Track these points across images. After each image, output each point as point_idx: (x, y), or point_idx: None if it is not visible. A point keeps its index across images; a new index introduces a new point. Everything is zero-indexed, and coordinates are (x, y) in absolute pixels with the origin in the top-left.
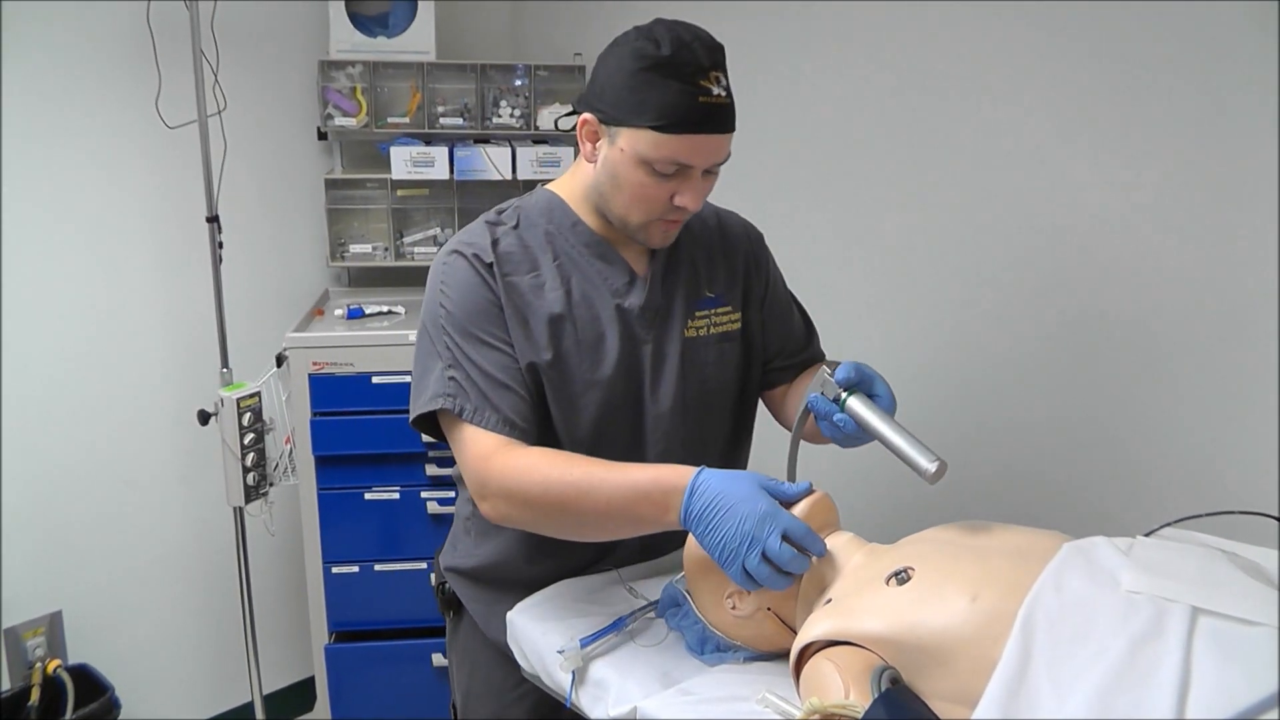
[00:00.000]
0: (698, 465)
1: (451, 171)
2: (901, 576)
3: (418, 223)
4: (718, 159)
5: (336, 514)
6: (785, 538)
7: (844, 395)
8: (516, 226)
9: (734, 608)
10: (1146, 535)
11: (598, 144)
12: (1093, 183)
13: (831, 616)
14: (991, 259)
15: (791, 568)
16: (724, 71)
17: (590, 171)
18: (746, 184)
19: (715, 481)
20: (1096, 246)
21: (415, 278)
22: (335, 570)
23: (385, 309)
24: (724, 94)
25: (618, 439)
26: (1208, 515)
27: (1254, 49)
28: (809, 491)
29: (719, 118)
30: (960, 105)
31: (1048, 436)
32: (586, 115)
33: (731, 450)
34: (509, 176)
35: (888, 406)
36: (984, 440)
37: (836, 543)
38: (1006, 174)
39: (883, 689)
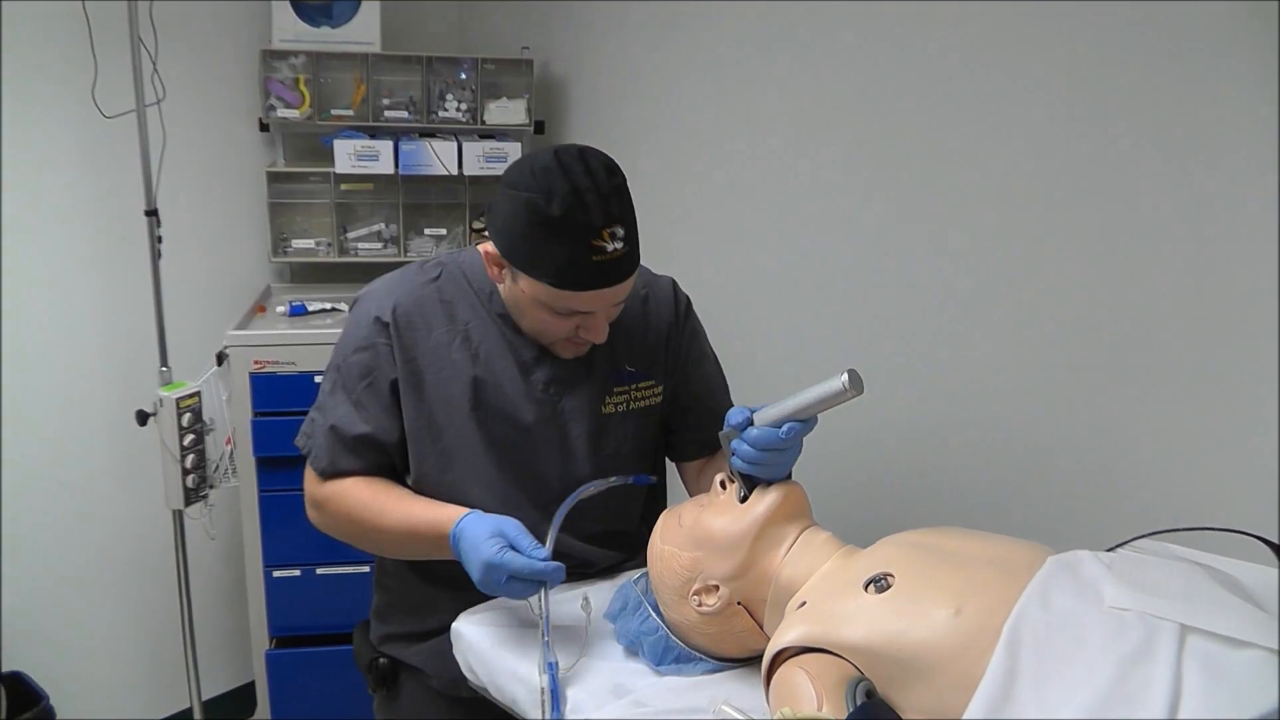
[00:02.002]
0: (616, 521)
1: (396, 166)
2: (881, 583)
3: (362, 218)
4: (617, 301)
5: (278, 516)
6: (514, 578)
7: (745, 423)
8: (437, 279)
9: (701, 604)
10: (1120, 546)
11: (502, 271)
12: (1092, 183)
13: (807, 622)
14: (985, 261)
15: (527, 594)
16: (621, 219)
17: None
18: (742, 185)
19: (465, 532)
20: (1093, 249)
21: (359, 274)
22: (276, 574)
23: (329, 306)
24: (620, 246)
25: (524, 503)
26: (1185, 530)
27: (1254, 49)
28: (545, 559)
29: (614, 272)
30: (958, 104)
31: (1034, 441)
32: (488, 247)
33: (652, 498)
34: (454, 171)
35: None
36: (969, 444)
37: (813, 540)
38: (1003, 174)
39: (858, 702)
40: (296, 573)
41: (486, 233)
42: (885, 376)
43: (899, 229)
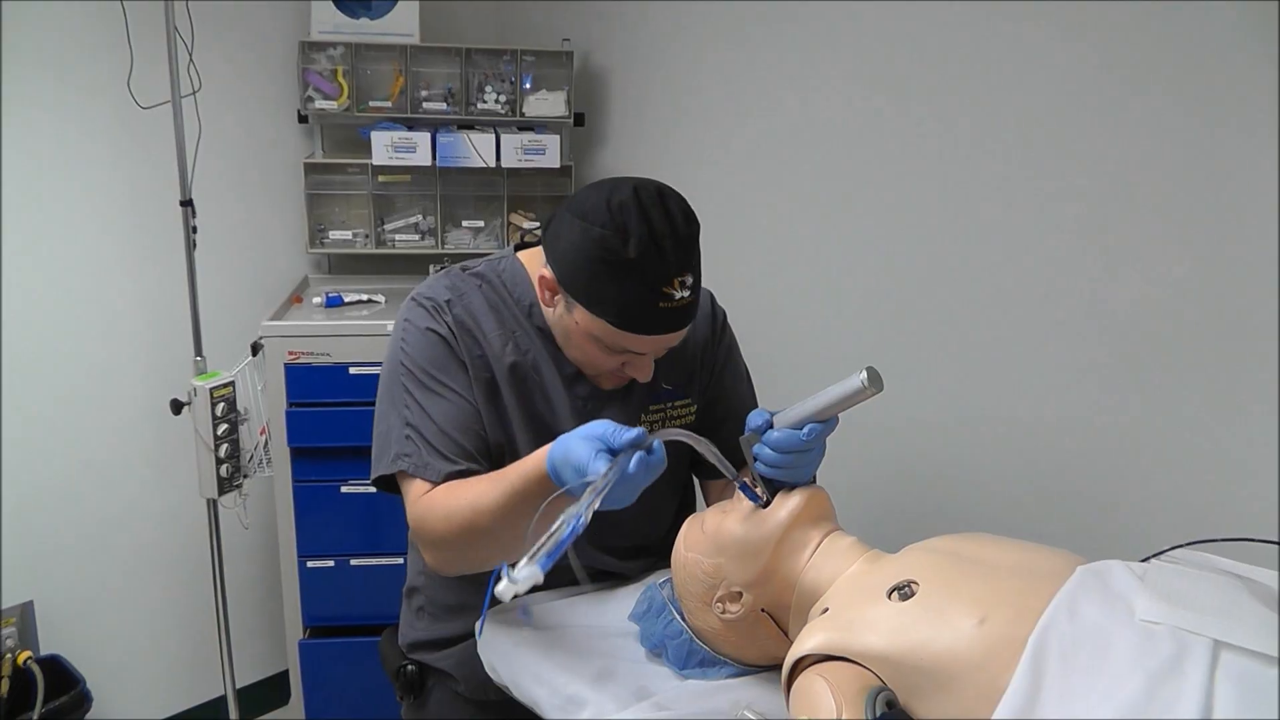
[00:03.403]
0: (646, 536)
1: (434, 157)
2: (904, 591)
3: (399, 209)
4: (671, 346)
5: (312, 507)
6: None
7: (765, 426)
8: (480, 286)
9: (724, 611)
10: (1155, 556)
11: (555, 297)
12: (1091, 183)
13: (828, 629)
14: (991, 261)
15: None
16: (693, 266)
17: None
18: (773, 181)
19: (558, 450)
20: (1096, 249)
21: (396, 266)
22: (310, 564)
23: (365, 298)
24: (687, 295)
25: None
26: (1223, 540)
27: (1254, 49)
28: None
29: (678, 320)
30: (960, 103)
31: (1053, 442)
32: (546, 272)
33: (680, 513)
34: (493, 164)
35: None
36: (993, 442)
37: (837, 545)
38: (1003, 174)
39: (878, 712)
40: (330, 563)
41: (543, 252)
42: (906, 375)
43: (921, 227)
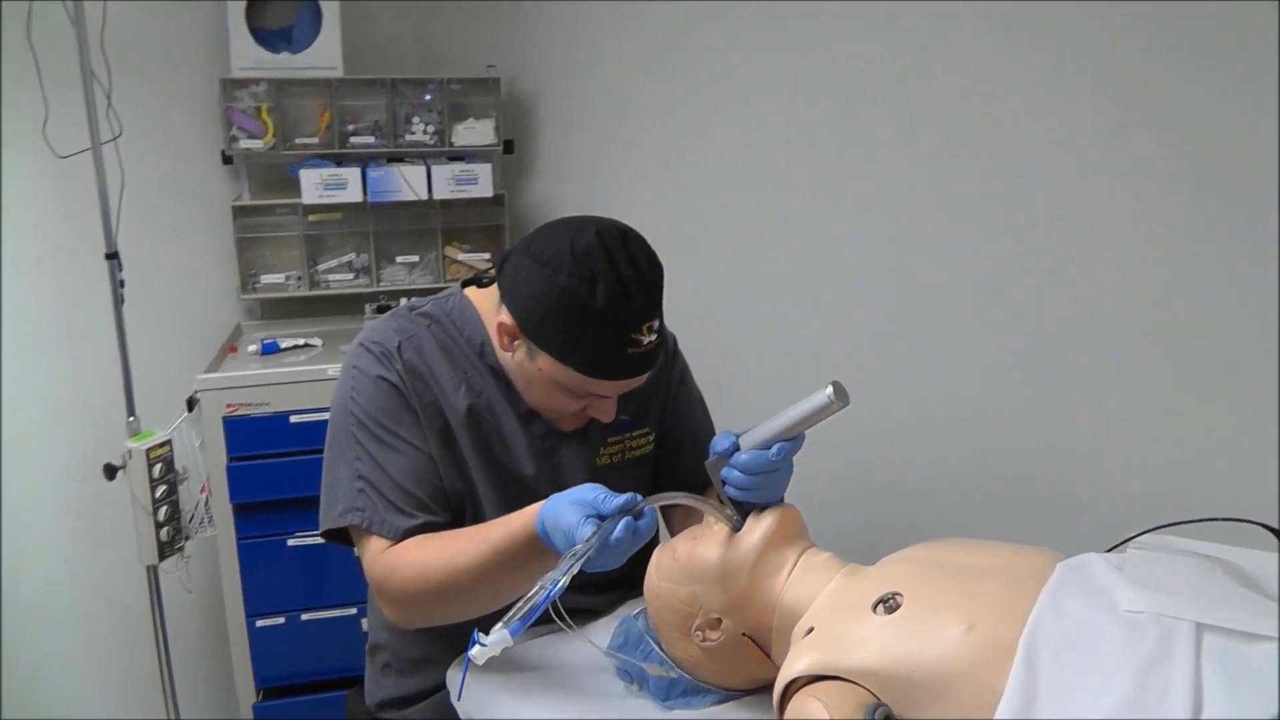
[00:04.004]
0: (613, 570)
1: (365, 193)
2: (890, 603)
3: (332, 249)
4: (635, 387)
5: (258, 564)
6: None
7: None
8: (430, 326)
9: (704, 639)
10: (1124, 543)
11: (515, 343)
12: (1090, 181)
13: (816, 649)
14: (971, 259)
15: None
16: (659, 310)
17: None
18: (713, 199)
19: (549, 510)
20: (1091, 247)
21: (331, 307)
22: (260, 623)
23: (302, 342)
24: (654, 339)
25: None
26: (1188, 522)
27: (1254, 49)
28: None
29: (645, 364)
30: (953, 101)
31: (1019, 445)
32: (505, 319)
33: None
34: (425, 196)
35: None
36: (961, 448)
37: (813, 562)
38: (1000, 172)
39: None
40: (280, 620)
41: (500, 297)
42: (868, 386)
43: (872, 235)
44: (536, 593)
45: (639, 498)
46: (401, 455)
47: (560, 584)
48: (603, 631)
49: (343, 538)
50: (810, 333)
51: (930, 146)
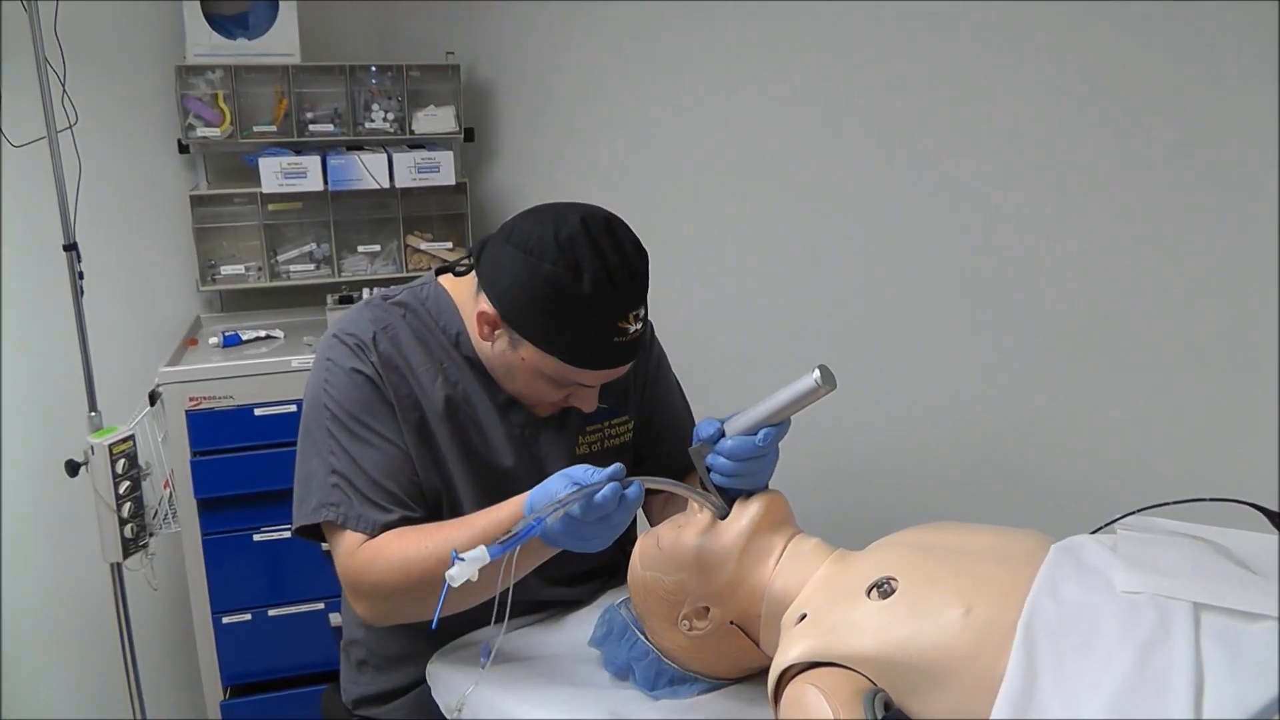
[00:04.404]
0: (592, 560)
1: (325, 182)
2: (885, 588)
3: (292, 239)
4: (619, 376)
5: (224, 559)
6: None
7: (718, 435)
8: (405, 316)
9: (691, 628)
10: (1111, 523)
11: (496, 332)
12: (1090, 179)
13: (811, 636)
14: (978, 256)
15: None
16: (644, 297)
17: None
18: (647, 190)
19: (537, 493)
20: (1086, 242)
21: (293, 298)
22: (226, 620)
23: (264, 333)
24: (639, 327)
25: None
26: (1176, 503)
27: (1254, 49)
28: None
29: (630, 352)
30: (953, 100)
31: (1015, 430)
32: (486, 308)
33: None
34: (386, 184)
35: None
36: (948, 434)
37: (802, 548)
38: (999, 169)
39: (878, 715)
40: (247, 617)
41: (479, 286)
42: (852, 371)
43: (857, 214)
44: (519, 525)
45: (623, 469)
46: (376, 450)
47: (545, 520)
48: (584, 622)
49: (315, 534)
50: (788, 319)
51: (913, 130)
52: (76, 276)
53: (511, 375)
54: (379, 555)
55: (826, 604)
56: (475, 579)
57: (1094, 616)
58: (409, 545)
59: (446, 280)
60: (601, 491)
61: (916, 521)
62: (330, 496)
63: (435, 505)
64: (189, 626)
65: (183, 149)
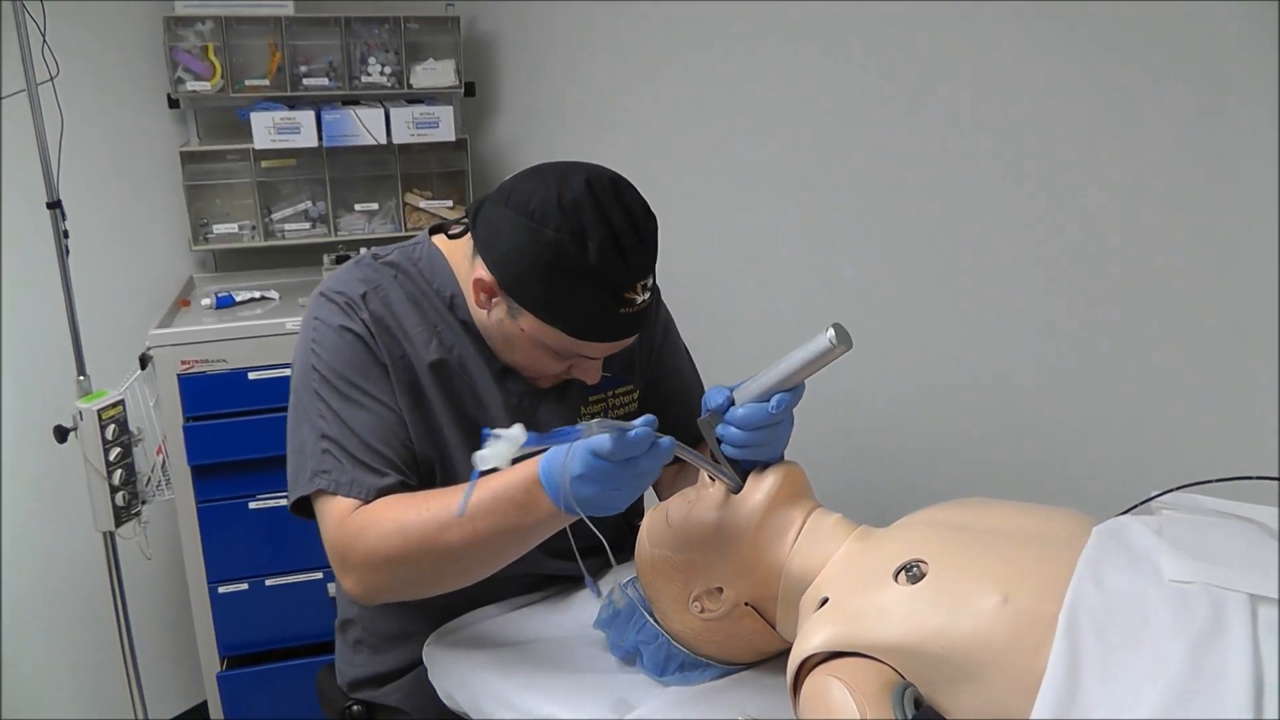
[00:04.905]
0: (591, 539)
1: (320, 137)
2: (913, 572)
3: (287, 197)
4: (625, 347)
5: (219, 528)
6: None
7: (727, 404)
8: (396, 276)
9: (702, 610)
10: (1151, 499)
11: (494, 300)
12: (1091, 177)
13: (834, 622)
14: (989, 249)
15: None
16: (653, 266)
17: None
18: (655, 149)
19: (551, 460)
20: (1094, 236)
21: (287, 258)
22: (222, 590)
23: (258, 294)
24: (647, 297)
25: None
26: (1218, 481)
27: (1254, 49)
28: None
29: (637, 324)
30: (957, 97)
31: (1026, 403)
32: (483, 274)
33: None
34: (383, 140)
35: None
36: (968, 406)
37: (822, 524)
38: (1005, 164)
39: (908, 712)
40: (244, 586)
41: (475, 250)
42: (871, 332)
43: (883, 173)
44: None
45: (656, 420)
46: (368, 412)
47: (583, 431)
48: (590, 602)
49: (310, 510)
50: (802, 281)
51: (933, 96)
52: (61, 235)
53: (510, 346)
54: (374, 521)
55: (850, 587)
56: (505, 467)
57: (1142, 608)
58: (408, 508)
59: (440, 241)
60: (636, 429)
61: (939, 495)
62: (322, 464)
63: (428, 474)
64: (185, 597)
65: (172, 104)
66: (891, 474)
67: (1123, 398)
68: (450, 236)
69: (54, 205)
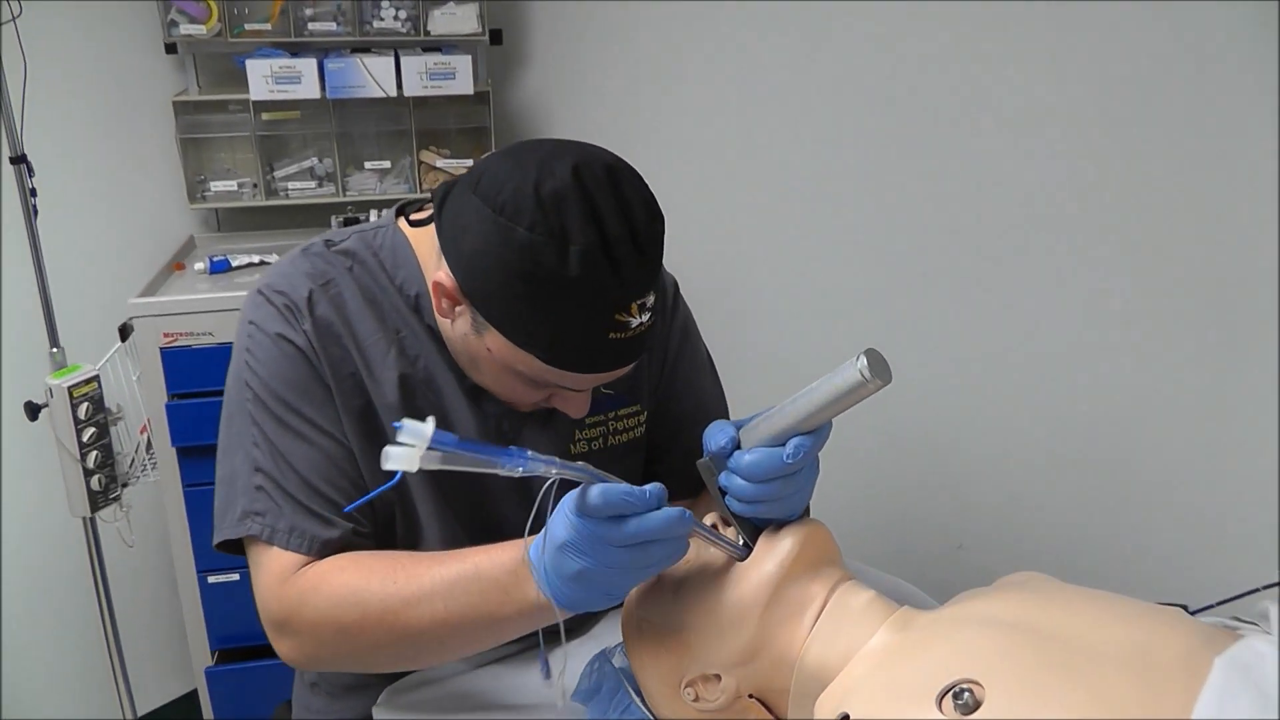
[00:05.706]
0: None
1: (323, 88)
2: (964, 699)
3: (291, 152)
4: (619, 378)
5: (207, 513)
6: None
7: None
8: (351, 269)
9: (696, 699)
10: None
11: (457, 309)
12: (1091, 175)
13: None
14: (989, 254)
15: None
16: (654, 280)
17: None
18: (707, 117)
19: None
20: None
21: (291, 219)
22: (212, 579)
23: (257, 259)
24: (646, 319)
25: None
26: None
27: (1254, 49)
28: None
29: (632, 351)
30: (959, 98)
31: (1049, 438)
32: (444, 278)
33: None
34: (393, 92)
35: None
36: (997, 437)
37: (850, 605)
38: (1006, 168)
39: None
40: (235, 576)
41: (438, 244)
42: (902, 356)
43: (912, 189)
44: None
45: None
46: (309, 445)
47: (556, 471)
48: (573, 660)
49: (237, 547)
50: (838, 294)
51: (986, 95)
52: (29, 194)
53: (476, 365)
54: (324, 583)
55: (878, 707)
56: (414, 471)
57: None
58: (371, 575)
59: (411, 230)
60: (664, 514)
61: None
62: (255, 503)
63: (387, 520)
64: (172, 584)
65: (170, 49)
66: (932, 511)
67: (1146, 429)
68: (413, 224)
69: (18, 160)
